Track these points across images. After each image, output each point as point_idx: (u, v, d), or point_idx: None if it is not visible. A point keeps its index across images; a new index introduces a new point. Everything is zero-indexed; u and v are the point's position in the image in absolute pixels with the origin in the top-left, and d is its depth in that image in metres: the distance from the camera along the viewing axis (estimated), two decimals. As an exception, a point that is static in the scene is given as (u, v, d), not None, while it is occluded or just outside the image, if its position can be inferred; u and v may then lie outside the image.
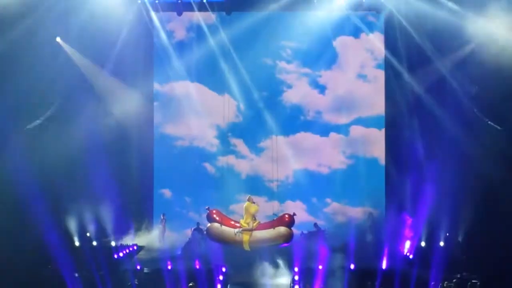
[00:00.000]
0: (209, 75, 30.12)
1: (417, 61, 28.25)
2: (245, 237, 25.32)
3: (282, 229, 25.43)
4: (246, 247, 25.39)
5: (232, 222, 26.02)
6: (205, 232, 26.59)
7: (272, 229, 25.48)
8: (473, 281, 21.08)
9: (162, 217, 29.54)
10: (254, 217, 25.73)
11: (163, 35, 29.96)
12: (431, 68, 28.07)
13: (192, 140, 30.34)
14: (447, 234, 26.73)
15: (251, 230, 25.43)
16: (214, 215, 26.07)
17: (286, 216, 25.90)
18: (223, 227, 25.72)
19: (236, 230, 25.52)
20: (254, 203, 26.11)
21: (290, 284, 22.97)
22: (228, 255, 25.53)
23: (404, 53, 28.63)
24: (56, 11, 26.68)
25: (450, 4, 26.76)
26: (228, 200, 29.33)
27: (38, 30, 26.11)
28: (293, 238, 25.66)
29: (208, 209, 26.28)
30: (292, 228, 25.59)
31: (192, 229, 28.40)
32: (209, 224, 26.03)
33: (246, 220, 25.68)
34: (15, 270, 22.27)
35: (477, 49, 26.45)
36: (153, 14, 29.67)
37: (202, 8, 29.51)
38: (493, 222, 25.39)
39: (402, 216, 27.86)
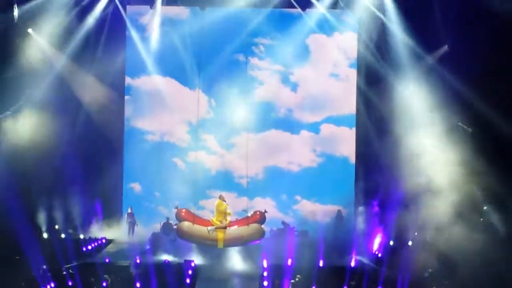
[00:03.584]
0: (181, 70, 29.82)
1: (390, 61, 28.37)
2: (220, 235, 25.25)
3: (256, 226, 25.60)
4: (221, 245, 25.32)
5: (204, 220, 25.94)
6: (175, 230, 26.27)
7: (246, 226, 25.61)
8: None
9: (129, 210, 29.43)
10: (225, 215, 25.75)
11: (135, 29, 29.67)
12: (405, 68, 28.24)
13: (163, 135, 30.23)
14: (416, 233, 26.95)
15: (225, 227, 25.43)
16: (183, 214, 25.92)
17: (258, 213, 26.15)
18: (195, 225, 25.54)
19: (209, 227, 25.43)
20: (225, 201, 26.10)
21: (259, 280, 23.03)
22: (198, 250, 25.63)
23: (377, 53, 28.78)
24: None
25: None
26: (198, 195, 29.27)
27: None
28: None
29: (177, 208, 26.17)
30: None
31: (162, 224, 28.36)
32: (179, 223, 25.85)
33: (218, 218, 25.68)
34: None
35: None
36: (126, 7, 29.42)
37: (175, 2, 29.29)
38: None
39: (371, 205, 28.14)
